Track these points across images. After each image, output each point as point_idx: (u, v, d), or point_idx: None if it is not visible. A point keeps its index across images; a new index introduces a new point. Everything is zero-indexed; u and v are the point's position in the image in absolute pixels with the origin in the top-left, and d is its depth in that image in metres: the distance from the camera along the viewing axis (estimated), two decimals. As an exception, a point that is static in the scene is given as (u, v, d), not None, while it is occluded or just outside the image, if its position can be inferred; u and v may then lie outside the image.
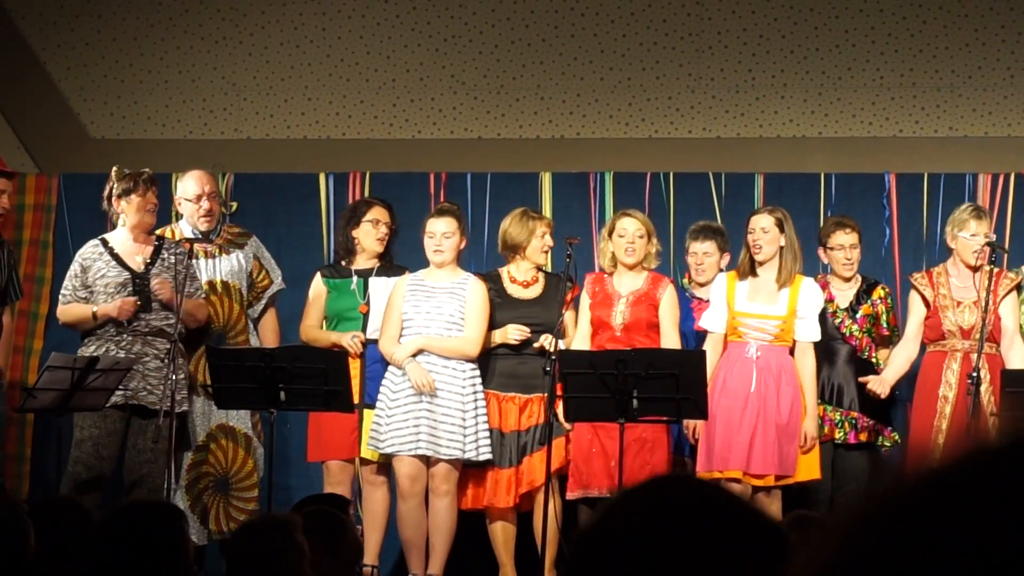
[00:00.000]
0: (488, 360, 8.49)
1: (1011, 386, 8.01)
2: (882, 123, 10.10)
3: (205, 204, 8.84)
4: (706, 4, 10.20)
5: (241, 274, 8.92)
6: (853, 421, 8.51)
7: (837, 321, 8.58)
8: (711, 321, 8.42)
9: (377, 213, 8.78)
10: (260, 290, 9.01)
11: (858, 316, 8.61)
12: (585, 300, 8.49)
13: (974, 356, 8.36)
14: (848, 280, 8.66)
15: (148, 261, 8.47)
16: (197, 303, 8.52)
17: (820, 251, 8.74)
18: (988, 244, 9.00)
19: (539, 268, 8.59)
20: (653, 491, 1.59)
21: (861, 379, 8.48)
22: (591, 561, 1.52)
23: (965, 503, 1.05)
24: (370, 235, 8.73)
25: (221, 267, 8.88)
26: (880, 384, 8.41)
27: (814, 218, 9.47)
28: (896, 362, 8.54)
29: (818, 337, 8.40)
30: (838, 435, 8.49)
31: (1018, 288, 8.57)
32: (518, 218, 8.56)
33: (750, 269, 8.38)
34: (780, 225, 8.37)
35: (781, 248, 8.35)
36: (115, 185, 8.50)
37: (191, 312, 8.43)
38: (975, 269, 8.49)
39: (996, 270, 8.49)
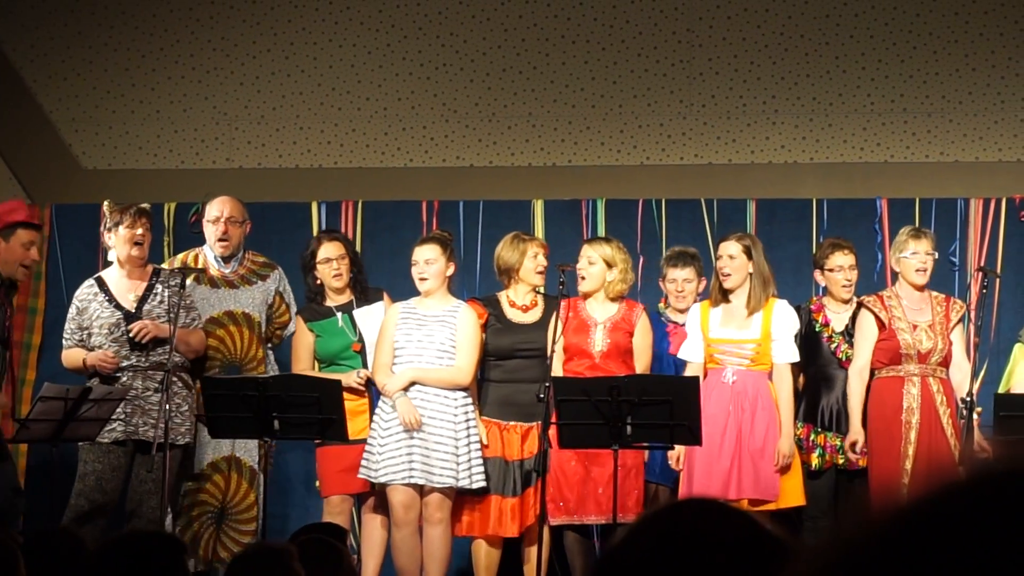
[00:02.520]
0: (487, 388, 8.48)
1: (1005, 410, 8.00)
2: (873, 148, 10.13)
3: (220, 228, 8.83)
4: (696, 31, 10.23)
5: (262, 305, 8.86)
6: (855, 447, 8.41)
7: (833, 346, 8.53)
8: (689, 351, 8.38)
9: (326, 251, 8.64)
10: (278, 326, 8.93)
11: (854, 340, 8.53)
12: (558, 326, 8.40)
13: (931, 380, 8.32)
14: (846, 302, 8.62)
15: (140, 297, 8.45)
16: (190, 331, 8.48)
17: (816, 273, 8.70)
18: (980, 269, 9.01)
19: (536, 291, 8.57)
20: (678, 513, 1.59)
21: (847, 447, 8.36)
22: None
23: (955, 535, 1.04)
24: (327, 275, 8.64)
25: (241, 297, 8.85)
26: (857, 440, 8.33)
27: (806, 243, 9.48)
28: (858, 397, 8.34)
29: (795, 358, 8.35)
30: (840, 461, 8.39)
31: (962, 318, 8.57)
32: (510, 241, 8.55)
33: (721, 296, 8.37)
34: (748, 252, 8.34)
35: (750, 274, 8.34)
36: (107, 218, 8.52)
37: (184, 340, 8.39)
38: (921, 289, 8.47)
39: (946, 296, 8.54)
